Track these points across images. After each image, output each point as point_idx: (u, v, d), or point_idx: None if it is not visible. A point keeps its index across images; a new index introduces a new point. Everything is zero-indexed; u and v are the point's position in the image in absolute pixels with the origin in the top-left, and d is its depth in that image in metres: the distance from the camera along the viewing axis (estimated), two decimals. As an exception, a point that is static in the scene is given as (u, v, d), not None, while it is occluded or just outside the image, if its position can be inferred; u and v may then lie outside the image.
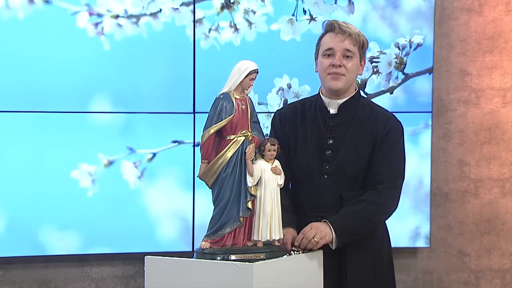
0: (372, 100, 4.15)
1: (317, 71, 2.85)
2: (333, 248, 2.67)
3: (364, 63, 2.84)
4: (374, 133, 2.79)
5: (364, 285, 2.79)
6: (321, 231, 2.62)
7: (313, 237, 2.59)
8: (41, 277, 4.09)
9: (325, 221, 2.66)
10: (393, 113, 2.91)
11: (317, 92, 2.90)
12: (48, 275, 4.10)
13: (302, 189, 2.82)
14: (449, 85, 4.43)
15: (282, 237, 2.50)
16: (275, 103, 4.08)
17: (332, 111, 2.82)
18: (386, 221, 2.92)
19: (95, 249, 4.00)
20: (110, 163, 3.98)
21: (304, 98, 3.04)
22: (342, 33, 2.74)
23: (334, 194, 2.76)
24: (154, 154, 4.02)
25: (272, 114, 3.01)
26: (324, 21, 2.85)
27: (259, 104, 4.03)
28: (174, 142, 4.04)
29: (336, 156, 2.77)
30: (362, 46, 2.79)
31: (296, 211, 2.81)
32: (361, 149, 2.78)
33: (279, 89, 4.10)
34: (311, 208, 2.78)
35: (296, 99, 4.01)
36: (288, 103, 3.02)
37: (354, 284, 2.76)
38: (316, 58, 2.84)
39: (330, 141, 2.79)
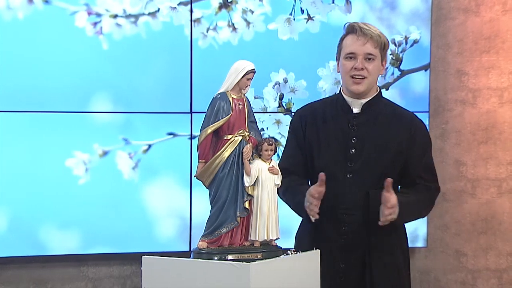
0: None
1: (339, 72, 2.89)
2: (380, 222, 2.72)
3: (386, 63, 2.88)
4: (400, 133, 2.84)
5: (388, 284, 2.84)
6: (396, 213, 2.70)
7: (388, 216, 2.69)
8: (38, 277, 4.09)
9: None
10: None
11: (338, 92, 2.94)
12: (45, 275, 4.10)
13: (326, 186, 2.78)
14: (446, 85, 4.43)
15: (279, 237, 2.51)
16: (271, 97, 4.09)
17: (356, 110, 2.85)
18: None
19: (92, 249, 4.01)
20: (105, 153, 3.99)
21: (324, 98, 3.10)
22: (364, 36, 2.77)
23: (359, 192, 2.79)
24: (150, 146, 4.03)
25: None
26: (346, 23, 2.88)
27: (255, 98, 4.04)
28: (170, 134, 4.04)
29: (360, 154, 2.79)
30: (384, 47, 2.82)
31: (320, 207, 2.81)
32: (387, 147, 2.82)
33: (275, 84, 4.11)
34: (336, 205, 2.80)
35: (292, 94, 4.04)
36: (307, 103, 3.06)
37: (379, 283, 2.81)
38: (337, 59, 2.88)
39: (354, 140, 2.82)
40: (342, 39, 2.85)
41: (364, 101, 2.85)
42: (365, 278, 2.80)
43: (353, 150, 2.81)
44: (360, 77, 2.79)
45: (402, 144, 2.83)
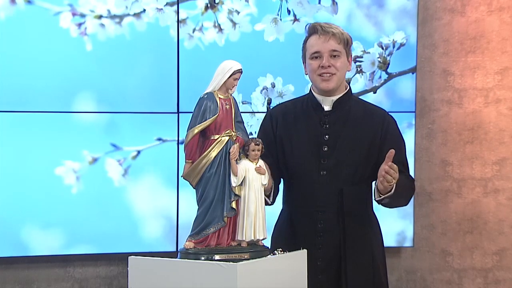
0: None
1: (306, 74, 2.89)
2: (375, 199, 2.78)
3: (351, 59, 2.90)
4: (372, 129, 2.86)
5: (363, 280, 2.84)
6: (393, 185, 2.70)
7: (393, 178, 2.65)
8: (24, 277, 4.07)
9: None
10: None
11: (308, 91, 2.94)
12: (31, 275, 4.08)
13: (300, 184, 2.84)
14: (432, 85, 4.45)
15: (266, 237, 2.51)
16: (259, 102, 4.09)
17: (327, 108, 2.87)
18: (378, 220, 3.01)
19: (78, 249, 3.99)
20: (95, 160, 3.98)
21: (295, 98, 3.09)
22: (326, 34, 2.79)
23: (333, 189, 2.81)
24: (139, 152, 4.02)
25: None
26: (307, 24, 2.90)
27: (243, 103, 4.03)
28: (159, 139, 4.03)
29: (333, 151, 2.80)
30: (347, 43, 2.84)
31: (295, 206, 2.87)
32: (359, 144, 2.84)
33: (263, 88, 4.11)
34: (311, 203, 2.82)
35: (280, 98, 4.04)
36: (278, 103, 3.07)
37: (354, 279, 2.81)
38: (304, 62, 2.89)
39: (326, 137, 2.83)
40: (305, 41, 2.87)
41: (334, 98, 2.87)
42: (341, 275, 2.81)
43: (325, 148, 2.82)
44: (328, 74, 2.81)
45: (375, 140, 2.85)
